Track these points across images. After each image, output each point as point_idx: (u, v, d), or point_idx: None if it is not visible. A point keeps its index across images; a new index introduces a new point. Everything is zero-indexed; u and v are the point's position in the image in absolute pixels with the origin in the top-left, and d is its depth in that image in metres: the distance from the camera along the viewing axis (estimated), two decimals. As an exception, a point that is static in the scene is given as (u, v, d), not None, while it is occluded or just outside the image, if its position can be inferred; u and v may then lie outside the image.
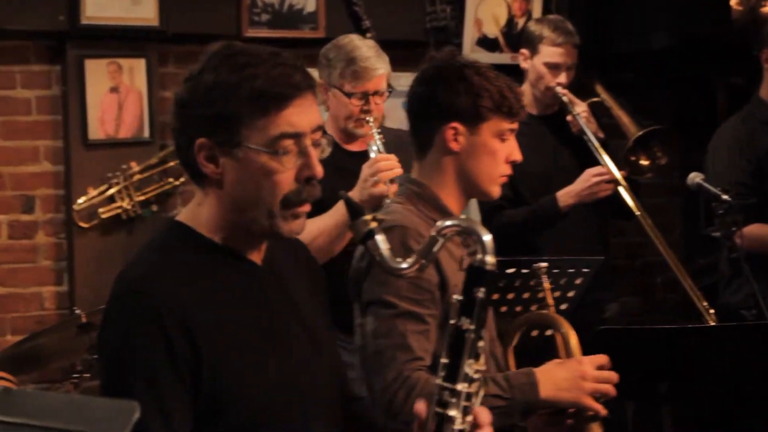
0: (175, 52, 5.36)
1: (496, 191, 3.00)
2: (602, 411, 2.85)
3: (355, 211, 2.20)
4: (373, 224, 2.20)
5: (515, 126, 2.96)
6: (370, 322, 2.82)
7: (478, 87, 2.89)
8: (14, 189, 5.09)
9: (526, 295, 3.32)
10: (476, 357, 2.05)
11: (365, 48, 4.05)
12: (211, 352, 2.15)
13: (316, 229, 3.61)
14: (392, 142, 3.91)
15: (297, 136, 2.18)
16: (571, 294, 3.50)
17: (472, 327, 2.04)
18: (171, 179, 5.26)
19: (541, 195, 4.58)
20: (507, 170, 2.97)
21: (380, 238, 2.20)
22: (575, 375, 2.81)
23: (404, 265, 2.19)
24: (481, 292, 2.04)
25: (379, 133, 3.89)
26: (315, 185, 2.23)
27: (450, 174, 2.95)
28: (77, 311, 4.17)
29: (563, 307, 3.42)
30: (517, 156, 2.97)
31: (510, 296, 3.28)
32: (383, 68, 4.02)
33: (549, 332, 3.30)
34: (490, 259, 2.05)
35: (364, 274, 2.86)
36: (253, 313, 2.25)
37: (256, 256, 2.30)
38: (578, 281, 3.49)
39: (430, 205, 2.93)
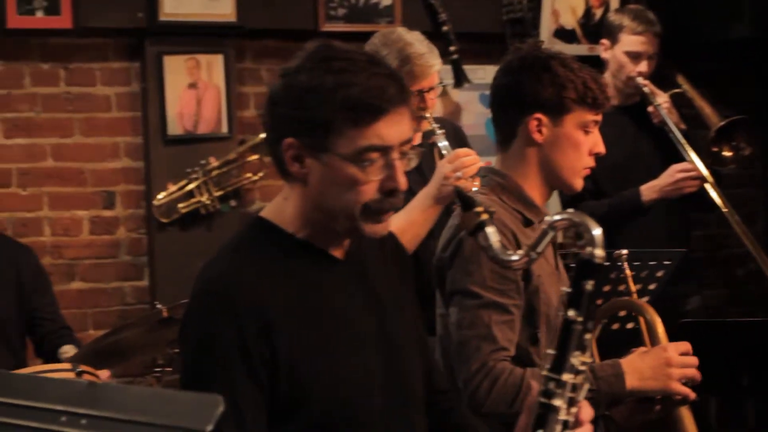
0: (252, 47, 5.38)
1: (578, 184, 2.97)
2: (691, 395, 2.84)
3: (466, 202, 2.21)
4: (484, 216, 2.22)
5: (599, 118, 2.94)
6: (455, 313, 2.81)
7: (562, 78, 2.87)
8: (95, 185, 5.14)
9: (606, 288, 3.29)
10: (583, 349, 2.08)
11: (417, 44, 3.96)
12: (289, 350, 2.15)
13: (403, 222, 3.57)
14: (449, 134, 3.87)
15: (385, 150, 2.17)
16: (652, 287, 3.46)
17: (580, 319, 2.07)
18: (249, 174, 5.28)
19: (621, 186, 4.54)
20: (590, 162, 2.95)
21: (490, 230, 2.23)
22: (661, 362, 2.80)
23: (514, 258, 2.22)
24: (589, 285, 2.07)
25: (439, 128, 3.82)
26: (397, 197, 2.21)
27: (533, 165, 2.94)
28: (158, 306, 4.19)
29: (645, 299, 3.39)
30: (601, 148, 2.95)
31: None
32: (437, 64, 3.96)
33: (630, 325, 3.28)
34: (599, 252, 2.08)
35: (448, 264, 2.86)
36: (333, 310, 2.25)
37: (339, 252, 2.29)
38: (659, 274, 3.46)
39: (513, 196, 2.92)
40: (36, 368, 4.15)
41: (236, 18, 5.17)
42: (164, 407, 1.72)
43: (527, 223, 2.91)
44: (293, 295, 2.20)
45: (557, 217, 2.16)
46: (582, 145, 2.91)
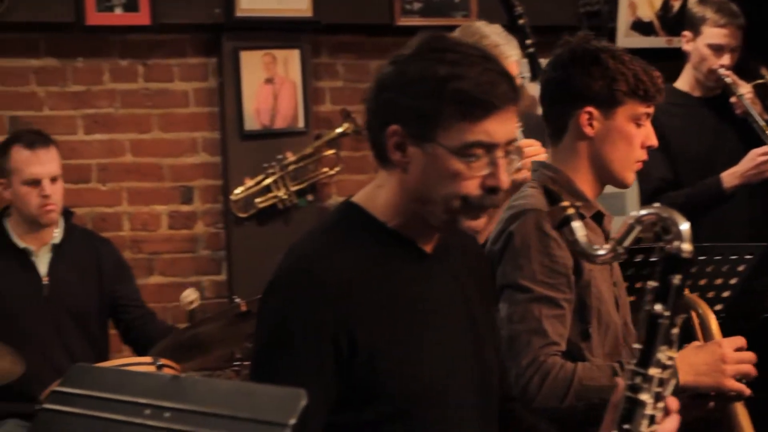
0: (328, 42, 5.39)
1: (630, 177, 2.94)
2: (746, 391, 2.79)
3: (552, 197, 2.19)
4: (571, 210, 2.20)
5: (651, 110, 2.90)
6: (505, 308, 2.79)
7: (613, 71, 2.84)
8: (173, 180, 5.18)
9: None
10: (670, 344, 2.07)
11: (494, 35, 3.95)
12: (368, 337, 2.13)
13: None
14: (532, 127, 3.84)
15: (491, 147, 2.14)
16: (733, 281, 3.41)
17: (667, 313, 2.06)
18: (326, 168, 5.30)
19: (702, 179, 4.49)
20: (642, 156, 2.91)
21: (577, 225, 2.23)
22: (715, 358, 2.76)
23: (601, 252, 2.22)
24: (677, 279, 2.06)
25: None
26: (498, 195, 2.18)
27: (584, 159, 2.90)
28: (237, 300, 4.21)
29: (725, 294, 3.34)
30: (653, 141, 2.91)
31: (638, 285, 3.20)
32: (515, 54, 3.94)
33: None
34: (686, 246, 2.07)
35: (498, 257, 2.83)
36: (416, 301, 2.23)
37: (428, 246, 2.27)
38: (741, 268, 3.41)
39: (564, 190, 2.88)
40: (118, 361, 4.19)
41: (312, 13, 5.19)
42: (247, 401, 1.72)
43: (579, 217, 2.88)
44: (380, 284, 2.18)
45: (643, 212, 2.14)
46: (634, 138, 2.87)
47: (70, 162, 4.86)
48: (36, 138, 4.45)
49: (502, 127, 2.14)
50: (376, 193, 2.25)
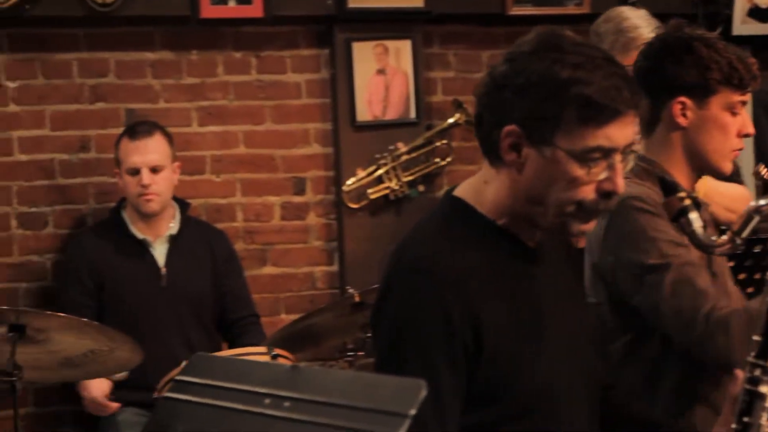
0: (439, 32, 5.38)
1: (727, 167, 2.87)
2: None
3: (669, 187, 2.16)
4: (687, 201, 2.16)
5: (746, 98, 2.83)
6: (647, 296, 2.73)
7: (706, 59, 2.77)
8: (286, 171, 5.21)
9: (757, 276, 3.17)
10: None
11: (635, 18, 3.94)
12: (490, 336, 2.11)
13: None
14: None
15: (610, 151, 2.10)
16: None
17: None
18: (437, 159, 5.29)
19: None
20: (739, 144, 2.85)
21: (693, 216, 2.19)
22: None
23: (719, 243, 2.17)
24: None
25: None
26: (613, 200, 2.15)
27: (678, 150, 2.85)
28: (350, 291, 4.23)
29: None
30: (749, 129, 2.84)
31: (757, 276, 3.14)
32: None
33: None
34: None
35: (603, 246, 2.80)
36: (528, 298, 2.21)
37: (531, 241, 2.25)
38: None
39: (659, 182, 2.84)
40: (233, 351, 4.24)
41: (424, 3, 5.18)
42: (366, 391, 1.72)
43: (695, 207, 2.83)
44: (495, 282, 2.16)
45: (763, 202, 2.10)
46: (729, 126, 2.81)
47: (185, 154, 4.92)
48: (141, 128, 4.54)
49: (623, 131, 2.10)
50: (483, 189, 2.21)
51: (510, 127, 2.09)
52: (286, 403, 1.76)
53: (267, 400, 1.78)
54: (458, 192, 2.25)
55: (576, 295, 2.35)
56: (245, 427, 1.78)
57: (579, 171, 2.09)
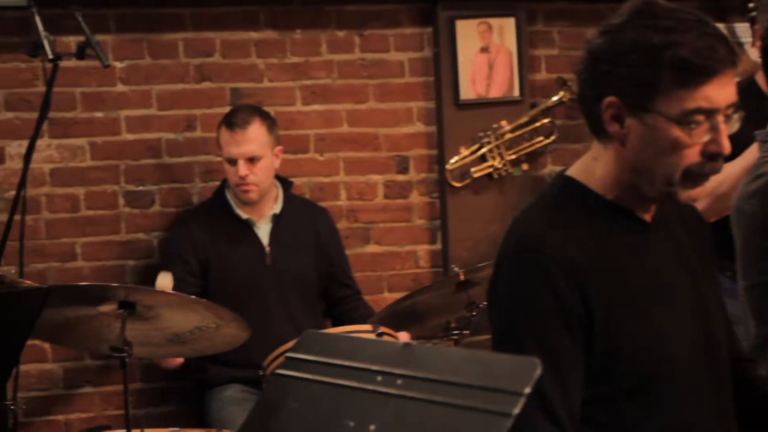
0: (543, 9, 5.33)
1: None
2: None
3: None
4: None
5: None
6: None
7: None
8: (389, 150, 5.20)
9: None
10: None
11: None
12: (604, 310, 2.12)
13: (722, 175, 3.42)
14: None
15: (711, 112, 2.10)
16: None
17: None
18: (541, 138, 5.25)
19: None
20: None
21: None
22: None
23: None
24: None
25: None
26: (719, 161, 2.14)
27: None
28: (455, 269, 4.22)
29: None
30: None
31: None
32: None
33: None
34: None
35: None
36: (643, 271, 2.21)
37: (647, 215, 2.25)
38: None
39: None
40: (339, 329, 4.25)
41: (528, -20, 5.14)
42: (479, 369, 1.71)
43: None
44: (606, 256, 2.17)
45: None
46: None
47: (289, 133, 4.94)
48: (238, 118, 4.52)
49: (722, 91, 2.09)
50: (592, 165, 2.23)
51: (610, 99, 2.12)
52: (399, 381, 1.76)
53: (379, 378, 1.78)
54: (570, 171, 2.28)
55: (699, 268, 2.32)
56: (357, 404, 1.78)
57: (681, 135, 2.09)
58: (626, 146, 2.15)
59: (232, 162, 4.50)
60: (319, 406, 1.85)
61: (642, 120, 2.11)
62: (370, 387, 1.78)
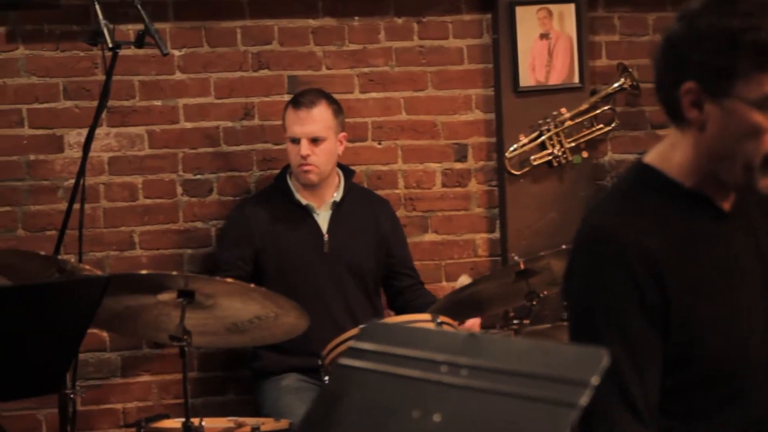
0: (604, -5, 5.28)
1: None
2: None
3: None
4: None
5: None
6: None
7: None
8: (448, 138, 5.17)
9: None
10: None
11: None
12: (681, 299, 2.10)
13: None
14: None
15: None
16: None
17: None
18: (601, 125, 5.19)
19: None
20: None
21: None
22: None
23: None
24: None
25: None
26: None
27: None
28: (515, 258, 4.18)
29: None
30: None
31: None
32: None
33: None
34: None
35: None
36: (724, 261, 2.19)
37: (726, 204, 2.22)
38: None
39: None
40: (398, 318, 4.24)
41: (588, -35, 5.08)
42: (545, 359, 1.69)
43: None
44: (683, 244, 2.15)
45: None
46: None
47: (347, 120, 4.92)
48: (305, 98, 4.54)
49: None
50: (670, 153, 2.21)
51: (688, 84, 2.10)
52: (464, 371, 1.74)
53: (444, 368, 1.76)
54: (647, 158, 2.25)
55: None
56: (421, 395, 1.77)
57: (761, 119, 2.07)
58: (705, 132, 2.12)
59: (296, 141, 4.50)
60: (382, 396, 1.83)
61: (721, 105, 2.09)
62: (434, 377, 1.77)
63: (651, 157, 2.24)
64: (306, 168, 4.50)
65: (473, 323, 4.36)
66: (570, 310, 2.20)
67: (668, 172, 2.20)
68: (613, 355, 1.63)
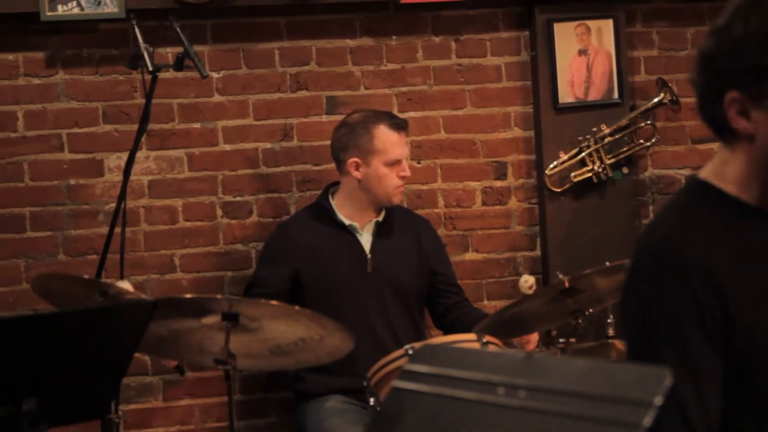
0: (642, 10, 5.24)
1: None
2: None
3: None
4: None
5: None
6: None
7: None
8: (487, 156, 5.15)
9: None
10: None
11: None
12: (743, 315, 2.05)
13: None
14: None
15: None
16: None
17: None
18: (641, 141, 5.16)
19: None
20: None
21: None
22: None
23: None
24: None
25: None
26: None
27: None
28: (560, 276, 4.14)
29: None
30: None
31: None
32: None
33: None
34: None
35: None
36: None
37: None
38: None
39: None
40: (444, 338, 4.21)
41: (626, -20, 5.06)
42: (606, 379, 1.66)
43: None
44: (743, 259, 2.10)
45: None
46: None
47: (386, 140, 4.91)
48: (398, 120, 4.57)
49: None
50: (723, 169, 2.16)
51: (732, 94, 2.07)
52: (522, 393, 1.71)
53: (501, 390, 1.73)
54: (702, 174, 2.21)
55: None
56: (478, 417, 1.74)
57: None
58: (756, 141, 2.09)
59: (397, 163, 4.50)
60: (438, 419, 1.80)
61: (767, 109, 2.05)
62: (491, 399, 1.74)
63: (705, 173, 2.21)
64: (402, 188, 4.53)
65: (531, 338, 4.35)
66: (628, 327, 2.16)
67: (724, 187, 2.16)
68: (673, 375, 1.59)
